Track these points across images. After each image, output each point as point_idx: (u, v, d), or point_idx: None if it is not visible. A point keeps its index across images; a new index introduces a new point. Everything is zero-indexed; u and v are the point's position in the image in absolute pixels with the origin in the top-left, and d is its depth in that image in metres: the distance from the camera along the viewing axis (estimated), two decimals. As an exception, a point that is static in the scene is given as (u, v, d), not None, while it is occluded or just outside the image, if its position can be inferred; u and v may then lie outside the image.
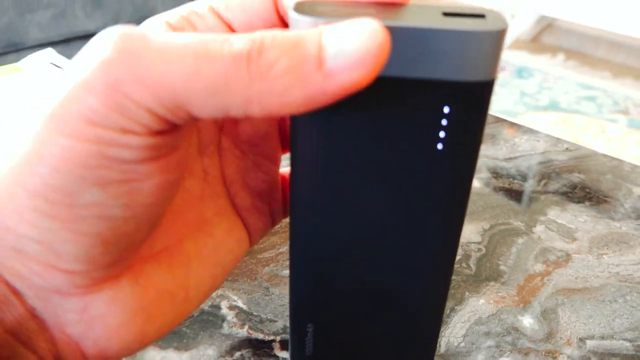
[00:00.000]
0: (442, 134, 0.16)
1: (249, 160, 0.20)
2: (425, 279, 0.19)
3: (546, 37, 2.34)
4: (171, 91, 0.14)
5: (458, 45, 0.15)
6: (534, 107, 1.73)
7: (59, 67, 0.43)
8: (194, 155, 0.19)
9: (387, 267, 0.19)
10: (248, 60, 0.13)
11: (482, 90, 0.16)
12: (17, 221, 0.15)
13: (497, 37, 0.15)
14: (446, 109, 0.16)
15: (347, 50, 0.13)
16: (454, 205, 0.18)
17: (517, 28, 2.20)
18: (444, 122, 0.16)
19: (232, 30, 0.18)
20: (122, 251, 0.16)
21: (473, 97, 0.16)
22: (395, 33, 0.15)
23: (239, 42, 0.14)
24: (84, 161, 0.14)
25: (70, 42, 1.35)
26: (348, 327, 0.21)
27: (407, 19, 0.15)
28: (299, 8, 0.15)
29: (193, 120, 0.15)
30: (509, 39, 2.22)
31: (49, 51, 0.44)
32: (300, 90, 0.13)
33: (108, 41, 0.14)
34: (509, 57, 2.12)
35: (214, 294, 0.26)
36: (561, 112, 1.71)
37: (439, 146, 0.17)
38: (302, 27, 0.15)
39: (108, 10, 1.36)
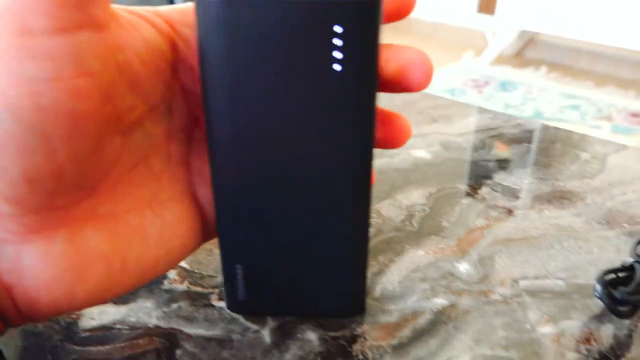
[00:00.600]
0: (338, 55, 0.17)
1: None
2: (344, 206, 0.20)
3: (529, 51, 2.38)
4: None
5: None
6: (519, 118, 1.75)
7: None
8: (160, 136, 0.20)
9: (307, 198, 0.20)
10: None
11: (369, 8, 0.17)
12: None
13: None
14: (338, 29, 0.17)
15: None
16: (360, 124, 0.19)
17: (500, 44, 2.24)
18: (337, 42, 0.17)
19: (173, 27, 0.19)
20: (51, 195, 0.16)
21: (361, 15, 0.17)
22: None
23: None
24: None
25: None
26: (276, 266, 0.21)
27: None
28: None
29: None
30: (492, 54, 2.26)
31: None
32: None
33: None
34: (493, 72, 2.16)
35: (157, 255, 0.27)
36: (545, 121, 1.73)
37: (337, 67, 0.17)
38: None
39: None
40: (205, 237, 0.22)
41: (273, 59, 0.17)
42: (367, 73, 0.18)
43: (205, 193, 0.21)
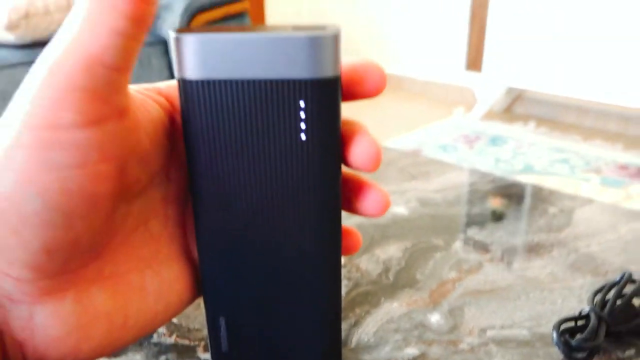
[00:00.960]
0: (302, 126, 0.20)
1: None
2: (315, 265, 0.22)
3: (517, 107, 2.46)
4: (85, 50, 0.16)
5: (302, 47, 0.19)
6: (510, 172, 1.79)
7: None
8: (159, 201, 0.22)
9: (281, 257, 0.22)
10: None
11: (328, 85, 0.19)
12: None
13: (332, 40, 0.19)
14: (302, 103, 0.19)
15: None
16: (326, 188, 0.21)
17: (488, 100, 2.32)
18: (302, 115, 0.20)
19: (171, 103, 0.21)
20: (65, 262, 0.18)
21: (322, 91, 0.19)
22: (252, 41, 0.19)
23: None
24: (23, 168, 0.16)
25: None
26: (256, 320, 0.23)
27: (263, 31, 0.19)
28: (179, 31, 0.19)
29: (112, 78, 0.17)
30: (481, 110, 2.33)
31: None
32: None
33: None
34: (483, 127, 2.21)
35: (147, 310, 0.28)
36: (536, 174, 1.77)
37: (302, 137, 0.20)
38: (183, 45, 0.19)
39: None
40: (199, 293, 0.24)
41: (246, 130, 0.20)
42: (329, 141, 0.20)
43: None
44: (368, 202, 0.22)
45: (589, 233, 0.36)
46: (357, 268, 0.32)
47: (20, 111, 0.17)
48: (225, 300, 0.23)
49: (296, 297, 0.23)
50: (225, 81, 0.19)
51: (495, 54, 2.18)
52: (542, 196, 0.41)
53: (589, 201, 0.40)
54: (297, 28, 0.19)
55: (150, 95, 0.21)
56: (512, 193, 0.42)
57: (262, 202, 0.21)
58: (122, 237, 0.21)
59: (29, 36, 1.29)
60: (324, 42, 0.19)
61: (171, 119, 0.21)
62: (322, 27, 0.19)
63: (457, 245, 0.35)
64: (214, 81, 0.19)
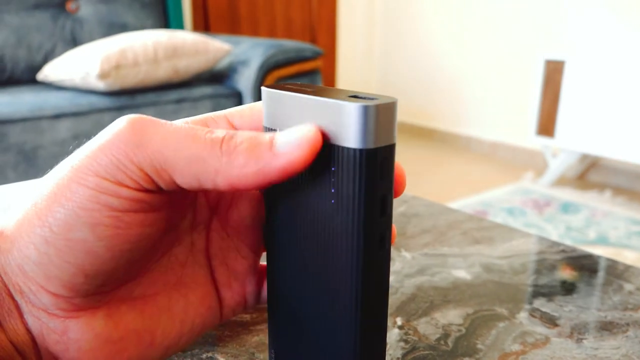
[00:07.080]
0: (332, 189, 0.19)
1: (232, 243, 0.24)
2: (349, 325, 0.21)
3: (592, 175, 2.35)
4: (162, 157, 0.19)
5: (340, 113, 0.18)
6: (582, 241, 1.70)
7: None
8: (186, 229, 0.24)
9: (319, 302, 0.21)
10: (222, 142, 0.19)
11: (361, 155, 0.18)
12: (26, 243, 0.19)
13: (368, 111, 0.18)
14: (333, 168, 0.19)
15: (291, 138, 0.19)
16: (352, 252, 0.20)
17: (560, 166, 2.24)
18: (332, 179, 0.19)
19: None
20: (99, 286, 0.20)
21: (351, 160, 0.18)
22: (305, 101, 0.19)
23: (219, 132, 0.19)
24: (82, 202, 0.19)
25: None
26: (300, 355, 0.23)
27: (322, 95, 0.19)
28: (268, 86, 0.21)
29: (174, 187, 0.19)
30: (553, 176, 2.24)
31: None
32: (254, 164, 0.19)
33: (125, 120, 0.20)
34: (554, 193, 2.13)
35: (203, 355, 0.29)
36: (611, 247, 1.67)
37: (332, 200, 0.20)
38: (271, 98, 0.20)
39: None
40: (221, 317, 0.25)
41: (297, 187, 0.21)
42: (355, 210, 0.19)
43: (220, 276, 0.24)
44: None
45: (669, 315, 0.33)
46: (414, 331, 0.31)
47: (89, 160, 0.19)
48: (277, 335, 0.24)
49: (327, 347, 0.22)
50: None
51: (569, 119, 2.12)
52: (617, 271, 0.39)
53: (670, 280, 0.38)
54: (354, 95, 0.19)
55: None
56: (584, 265, 0.40)
57: (304, 259, 0.22)
58: (151, 263, 0.22)
59: (117, 84, 1.39)
60: (364, 112, 0.18)
61: None
62: (377, 98, 0.19)
63: (522, 316, 0.33)
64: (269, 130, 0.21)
